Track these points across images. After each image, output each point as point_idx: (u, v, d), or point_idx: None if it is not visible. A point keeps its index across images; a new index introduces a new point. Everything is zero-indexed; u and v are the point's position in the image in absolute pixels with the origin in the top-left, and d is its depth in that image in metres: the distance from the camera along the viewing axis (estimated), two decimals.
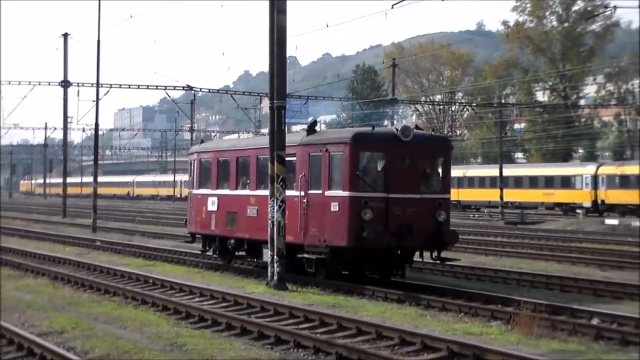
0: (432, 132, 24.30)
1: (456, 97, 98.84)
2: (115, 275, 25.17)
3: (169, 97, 64.16)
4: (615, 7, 55.41)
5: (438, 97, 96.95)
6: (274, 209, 22.28)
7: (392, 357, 13.31)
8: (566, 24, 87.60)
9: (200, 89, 65.12)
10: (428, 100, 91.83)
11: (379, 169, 21.85)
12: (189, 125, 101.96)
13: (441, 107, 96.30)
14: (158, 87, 60.34)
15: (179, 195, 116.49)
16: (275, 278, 22.03)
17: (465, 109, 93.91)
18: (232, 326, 16.25)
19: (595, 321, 16.54)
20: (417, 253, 22.96)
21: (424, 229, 21.57)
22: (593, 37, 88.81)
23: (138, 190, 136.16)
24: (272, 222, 22.31)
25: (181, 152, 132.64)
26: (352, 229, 21.04)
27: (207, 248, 28.56)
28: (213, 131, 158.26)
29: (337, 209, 21.43)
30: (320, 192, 22.04)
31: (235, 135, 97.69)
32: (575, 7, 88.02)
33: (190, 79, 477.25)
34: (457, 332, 15.80)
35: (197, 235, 29.18)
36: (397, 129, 21.96)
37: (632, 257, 31.34)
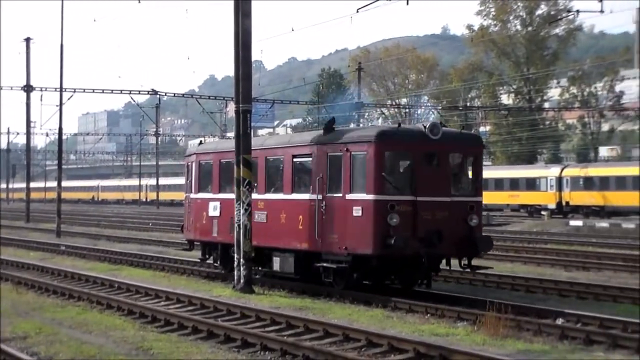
0: (462, 129, 22.36)
1: (422, 101, 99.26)
2: (80, 280, 24.98)
3: (134, 101, 63.90)
4: (578, 12, 55.91)
5: (404, 101, 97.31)
6: (240, 212, 22.22)
7: (359, 359, 13.31)
8: (530, 28, 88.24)
9: (166, 93, 64.86)
10: (394, 103, 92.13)
11: (406, 169, 20.41)
12: (154, 130, 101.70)
13: (407, 110, 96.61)
14: (123, 92, 60.16)
15: (144, 199, 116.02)
16: (242, 281, 21.97)
17: (430, 112, 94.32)
18: (199, 330, 16.18)
19: (560, 321, 16.64)
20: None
21: (455, 235, 19.95)
22: (556, 41, 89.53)
23: (103, 195, 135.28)
24: (239, 225, 22.25)
25: (146, 156, 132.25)
26: (378, 235, 19.32)
27: (207, 256, 26.87)
28: (178, 135, 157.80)
29: (360, 214, 19.73)
30: (340, 195, 20.36)
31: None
32: (539, 11, 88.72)
33: (155, 83, 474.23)
34: (424, 333, 15.84)
35: (195, 243, 27.47)
36: (424, 126, 20.30)
37: (596, 257, 31.60)
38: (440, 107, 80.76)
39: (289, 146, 22.77)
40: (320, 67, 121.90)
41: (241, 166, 22.35)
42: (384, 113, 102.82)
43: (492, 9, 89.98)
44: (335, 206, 20.45)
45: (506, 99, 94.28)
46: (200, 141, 28.79)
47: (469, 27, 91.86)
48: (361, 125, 66.37)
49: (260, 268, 24.19)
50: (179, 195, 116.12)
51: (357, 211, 19.82)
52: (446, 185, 20.12)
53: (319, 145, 21.30)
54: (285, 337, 15.14)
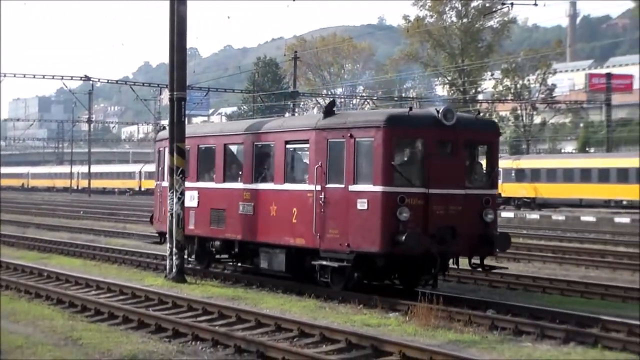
0: (477, 115, 20.60)
1: (357, 91, 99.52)
2: (8, 269, 24.54)
3: (66, 87, 62.91)
4: (512, 4, 56.23)
5: (339, 91, 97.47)
6: (173, 201, 22.06)
7: (290, 349, 13.29)
8: (465, 20, 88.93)
9: (99, 79, 64.02)
10: (329, 93, 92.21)
11: (417, 158, 18.50)
12: (87, 116, 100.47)
13: (342, 100, 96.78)
14: (55, 77, 59.21)
15: (75, 187, 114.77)
16: (174, 270, 21.83)
17: (366, 103, 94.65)
18: (129, 319, 16.04)
19: (490, 312, 16.82)
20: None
21: (469, 231, 18.21)
22: (491, 33, 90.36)
23: (33, 182, 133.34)
24: (171, 214, 22.09)
25: (78, 143, 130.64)
26: (386, 231, 17.55)
27: None
28: (112, 122, 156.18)
29: (365, 207, 17.91)
30: (342, 186, 18.47)
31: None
32: (474, 3, 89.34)
33: (89, 69, 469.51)
34: (356, 323, 15.90)
35: (167, 235, 24.41)
36: (437, 111, 18.36)
37: (526, 249, 32.02)
38: (375, 98, 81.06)
39: (281, 131, 20.84)
40: (256, 56, 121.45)
41: (175, 154, 22.19)
42: (319, 102, 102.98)
43: (428, 0, 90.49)
44: (337, 199, 18.59)
45: (441, 90, 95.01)
46: None
47: (405, 17, 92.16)
48: (297, 114, 66.28)
49: (239, 264, 23.17)
50: (111, 183, 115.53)
51: (361, 204, 18.00)
52: (460, 177, 18.38)
53: (317, 131, 19.35)
54: (217, 327, 15.08)
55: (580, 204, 60.13)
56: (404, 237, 17.25)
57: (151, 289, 19.57)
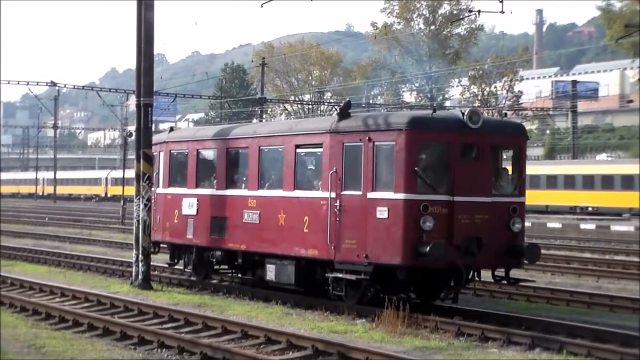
0: (504, 118, 19.63)
1: (325, 97, 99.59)
2: None
3: (31, 92, 62.41)
4: (479, 12, 56.90)
5: (307, 97, 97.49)
6: (139, 207, 21.93)
7: (257, 356, 13.25)
8: (433, 27, 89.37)
9: (65, 85, 63.48)
10: (297, 99, 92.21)
11: (441, 164, 17.26)
12: (53, 122, 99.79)
13: (310, 106, 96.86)
14: (20, 82, 58.61)
15: (41, 193, 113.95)
16: (140, 277, 21.69)
17: (333, 109, 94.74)
18: (94, 327, 15.90)
19: (456, 318, 16.83)
20: None
21: (496, 242, 17.05)
22: (458, 40, 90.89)
23: None
24: (138, 220, 21.97)
25: (44, 149, 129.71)
26: (409, 242, 16.40)
27: (176, 260, 23.55)
28: (78, 128, 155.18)
29: (386, 216, 16.76)
30: (359, 193, 17.27)
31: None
32: (442, 10, 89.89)
33: (55, 74, 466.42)
34: (323, 330, 15.87)
35: (161, 245, 24.05)
36: (462, 113, 17.25)
37: None
38: (343, 104, 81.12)
39: (291, 134, 19.51)
40: (224, 62, 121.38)
41: (141, 160, 22.09)
42: (287, 109, 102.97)
43: (396, 7, 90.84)
44: (354, 207, 17.38)
45: (408, 97, 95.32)
46: (171, 128, 25.20)
47: (373, 24, 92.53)
48: (264, 120, 66.20)
49: (239, 275, 22.19)
50: (77, 190, 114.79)
51: (381, 213, 16.85)
52: (487, 183, 17.25)
53: (332, 134, 18.11)
54: (183, 335, 14.98)
55: (546, 210, 60.54)
56: (428, 249, 16.09)
57: (117, 296, 19.43)
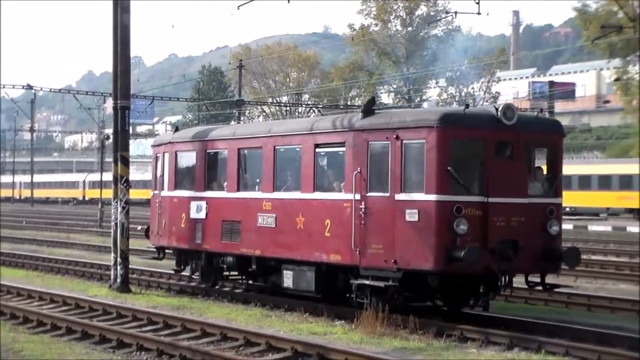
0: (538, 114, 18.70)
1: (303, 99, 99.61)
2: None
3: (7, 96, 62.16)
4: (456, 13, 56.90)
5: (285, 99, 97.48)
6: (117, 210, 21.87)
7: (236, 359, 13.26)
8: (410, 29, 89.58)
9: (41, 88, 63.25)
10: (275, 101, 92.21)
11: (474, 163, 16.41)
12: (29, 125, 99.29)
13: (288, 108, 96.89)
14: None
15: (18, 197, 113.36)
16: (118, 280, 21.63)
17: (311, 111, 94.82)
18: (73, 330, 15.85)
19: (436, 319, 16.86)
20: None
21: (533, 246, 16.31)
22: (435, 41, 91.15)
23: None
24: (116, 223, 21.91)
25: (20, 152, 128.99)
26: (442, 246, 15.58)
27: (183, 267, 22.58)
28: (55, 131, 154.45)
29: (416, 219, 15.91)
30: (386, 195, 16.37)
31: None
32: (419, 12, 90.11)
33: (31, 77, 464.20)
34: (302, 332, 15.88)
35: (167, 250, 23.30)
36: (496, 109, 16.43)
37: None
38: (321, 106, 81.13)
39: (310, 133, 18.48)
40: (201, 64, 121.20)
41: (119, 163, 22.04)
42: (264, 111, 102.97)
43: (373, 9, 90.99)
44: (380, 209, 16.48)
45: (386, 98, 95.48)
46: (176, 127, 24.22)
47: (350, 26, 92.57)
48: (242, 122, 66.13)
49: (250, 281, 21.21)
50: (55, 193, 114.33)
51: (411, 215, 15.98)
52: (522, 183, 16.46)
53: (356, 132, 17.15)
54: (162, 337, 14.97)
55: None
56: (463, 253, 15.29)
57: (95, 299, 19.39)
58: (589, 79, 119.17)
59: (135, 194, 66.98)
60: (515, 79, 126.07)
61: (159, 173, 22.99)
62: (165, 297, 20.92)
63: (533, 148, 17.32)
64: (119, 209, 21.81)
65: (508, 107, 16.47)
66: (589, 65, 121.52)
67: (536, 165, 17.53)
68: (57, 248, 36.10)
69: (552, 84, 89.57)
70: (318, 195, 18.01)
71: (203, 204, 21.04)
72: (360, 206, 16.74)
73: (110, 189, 22.54)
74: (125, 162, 22.06)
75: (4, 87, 57.44)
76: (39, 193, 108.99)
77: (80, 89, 78.61)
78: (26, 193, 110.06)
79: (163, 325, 16.29)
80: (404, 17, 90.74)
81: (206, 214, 20.90)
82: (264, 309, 18.77)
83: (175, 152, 22.26)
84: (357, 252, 16.75)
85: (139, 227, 45.09)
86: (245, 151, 20.31)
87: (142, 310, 17.55)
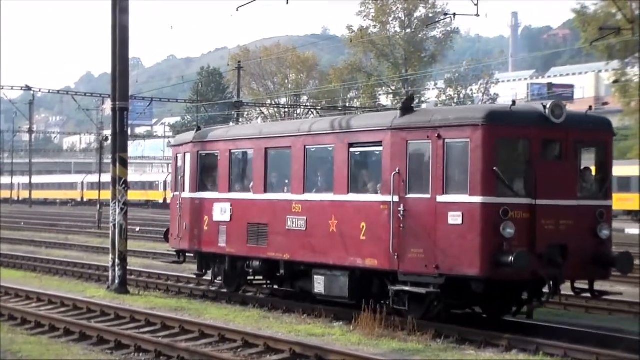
0: (588, 110, 17.47)
1: (301, 101, 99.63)
2: None
3: (6, 97, 62.04)
4: (454, 15, 56.80)
5: (283, 100, 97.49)
6: (115, 211, 21.87)
7: None
8: (408, 30, 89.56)
9: (40, 89, 63.27)
10: (273, 103, 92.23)
11: (521, 163, 15.82)
12: (28, 127, 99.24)
13: (286, 110, 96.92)
14: None
15: (16, 198, 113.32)
16: (116, 281, 21.62)
17: (310, 112, 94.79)
18: (71, 331, 15.86)
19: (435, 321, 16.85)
20: None
21: (582, 251, 15.63)
22: (434, 43, 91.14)
23: None
24: (114, 225, 21.91)
25: (19, 154, 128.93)
26: (488, 250, 14.93)
27: (205, 271, 21.86)
28: (53, 132, 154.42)
29: (459, 222, 15.25)
30: (427, 196, 15.70)
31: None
32: (417, 14, 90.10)
33: (29, 78, 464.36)
34: (300, 333, 15.88)
35: (187, 254, 22.56)
36: (544, 106, 15.73)
37: None
38: (319, 108, 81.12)
39: (343, 132, 17.82)
40: (200, 66, 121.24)
41: (117, 165, 22.04)
42: (263, 112, 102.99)
43: (372, 10, 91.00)
44: (420, 211, 15.79)
45: (385, 100, 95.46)
46: (198, 127, 23.15)
47: (349, 27, 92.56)
48: (240, 124, 66.15)
49: (275, 286, 20.51)
50: (53, 194, 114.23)
51: (454, 218, 15.34)
52: (572, 185, 15.79)
53: (394, 131, 16.42)
54: (160, 338, 15.00)
55: None
56: (511, 258, 14.64)
57: (93, 300, 19.39)
58: (587, 80, 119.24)
59: (133, 195, 67.09)
60: (514, 80, 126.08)
61: (179, 174, 22.33)
62: (163, 298, 20.91)
63: (580, 147, 16.49)
64: (118, 210, 21.81)
65: (556, 105, 15.85)
66: (587, 67, 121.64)
67: (596, 165, 16.89)
68: (56, 249, 36.09)
69: (550, 85, 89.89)
70: (353, 197, 17.35)
71: (227, 205, 20.36)
72: (399, 208, 16.09)
73: (109, 190, 22.51)
74: (124, 163, 22.05)
75: (2, 88, 57.51)
76: (37, 194, 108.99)
77: (79, 90, 78.62)
78: (24, 194, 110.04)
79: (161, 327, 16.29)
80: (403, 18, 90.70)
81: (230, 216, 20.25)
82: (262, 310, 18.77)
83: (197, 152, 21.56)
84: (396, 257, 16.08)
85: (137, 229, 45.27)
86: (273, 151, 19.58)
87: (140, 312, 17.55)
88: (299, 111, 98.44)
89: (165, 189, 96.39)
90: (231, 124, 70.20)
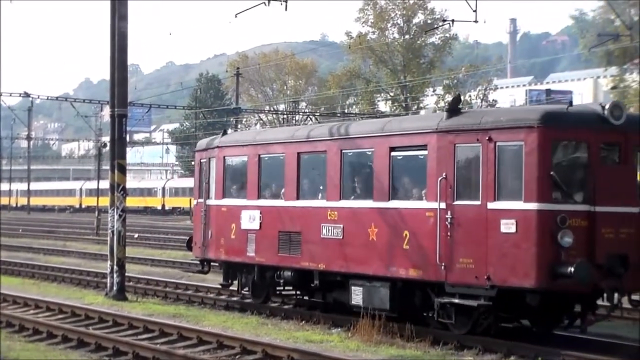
0: None
1: (300, 107, 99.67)
2: None
3: (5, 103, 62.10)
4: (453, 21, 56.83)
5: (282, 107, 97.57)
6: (114, 218, 21.85)
7: None
8: (407, 36, 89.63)
9: (39, 95, 63.32)
10: (272, 109, 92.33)
11: (578, 167, 14.95)
12: (26, 133, 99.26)
13: (285, 116, 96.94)
14: None
15: (14, 205, 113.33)
16: (114, 288, 21.59)
17: (308, 119, 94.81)
18: (69, 338, 15.84)
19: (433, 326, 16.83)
20: None
21: None
22: (433, 49, 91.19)
23: None
24: (112, 231, 21.89)
25: (18, 160, 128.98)
26: (544, 261, 14.12)
27: (231, 281, 20.96)
28: (52, 139, 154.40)
29: (513, 230, 14.40)
30: (477, 203, 14.88)
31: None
32: (416, 20, 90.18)
33: (28, 85, 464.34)
34: (299, 340, 15.85)
35: (212, 263, 21.76)
36: (602, 106, 14.87)
37: None
38: (318, 114, 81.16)
39: (384, 135, 16.91)
40: (199, 72, 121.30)
41: (116, 171, 22.03)
42: (261, 119, 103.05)
43: (370, 17, 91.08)
44: (470, 219, 14.99)
45: (383, 106, 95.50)
46: (224, 131, 22.24)
47: (348, 34, 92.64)
48: (239, 130, 66.20)
49: (306, 297, 19.71)
50: (51, 201, 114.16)
51: (507, 226, 14.49)
52: (632, 191, 14.92)
53: (440, 134, 15.59)
54: (158, 345, 14.97)
55: None
56: (571, 269, 13.87)
57: (91, 307, 19.35)
58: (586, 87, 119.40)
59: (132, 201, 67.04)
60: (513, 87, 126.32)
61: (203, 180, 21.45)
62: (161, 305, 20.88)
63: (637, 151, 15.37)
64: (116, 217, 21.80)
65: (616, 106, 15.00)
66: (585, 73, 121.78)
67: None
68: (54, 256, 36.06)
69: (549, 92, 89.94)
70: (394, 203, 16.51)
71: (256, 213, 19.55)
72: (447, 216, 15.31)
73: (107, 196, 22.49)
74: (122, 170, 22.03)
75: (1, 94, 57.51)
76: (35, 201, 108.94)
77: (78, 97, 78.68)
78: (23, 201, 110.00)
79: (159, 333, 16.26)
80: (402, 25, 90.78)
81: (260, 224, 19.41)
82: (261, 317, 18.76)
83: (224, 157, 20.72)
84: (443, 267, 15.25)
85: (136, 235, 45.27)
86: (306, 155, 18.76)
87: (138, 318, 17.52)
88: (297, 117, 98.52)
89: (163, 195, 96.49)
90: (230, 130, 70.36)
